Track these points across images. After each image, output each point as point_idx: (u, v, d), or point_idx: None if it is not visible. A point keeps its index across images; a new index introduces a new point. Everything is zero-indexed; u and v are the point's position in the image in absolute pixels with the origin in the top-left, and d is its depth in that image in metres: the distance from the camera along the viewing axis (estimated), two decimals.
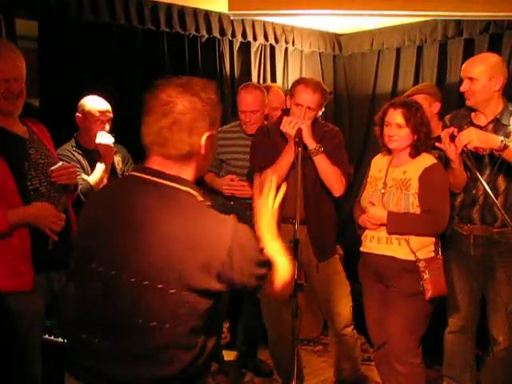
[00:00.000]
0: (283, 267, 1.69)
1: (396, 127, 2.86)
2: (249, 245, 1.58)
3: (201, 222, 1.54)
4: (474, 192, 3.03)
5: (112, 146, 3.16)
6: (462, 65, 4.22)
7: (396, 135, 2.87)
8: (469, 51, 4.31)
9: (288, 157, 3.13)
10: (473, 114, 3.08)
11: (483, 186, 2.75)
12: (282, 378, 3.50)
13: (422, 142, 2.86)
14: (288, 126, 3.08)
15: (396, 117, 2.86)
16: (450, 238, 3.15)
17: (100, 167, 3.09)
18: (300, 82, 3.21)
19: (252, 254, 1.58)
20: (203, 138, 1.59)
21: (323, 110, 3.43)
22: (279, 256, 1.70)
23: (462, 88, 3.03)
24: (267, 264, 1.63)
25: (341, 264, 3.44)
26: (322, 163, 3.14)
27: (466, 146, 2.72)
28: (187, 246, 1.50)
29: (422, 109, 2.89)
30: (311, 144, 3.10)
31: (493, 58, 3.05)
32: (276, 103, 3.85)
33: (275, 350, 3.51)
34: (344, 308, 3.38)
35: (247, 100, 3.56)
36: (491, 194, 2.69)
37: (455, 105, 4.34)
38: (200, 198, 1.60)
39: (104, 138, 3.11)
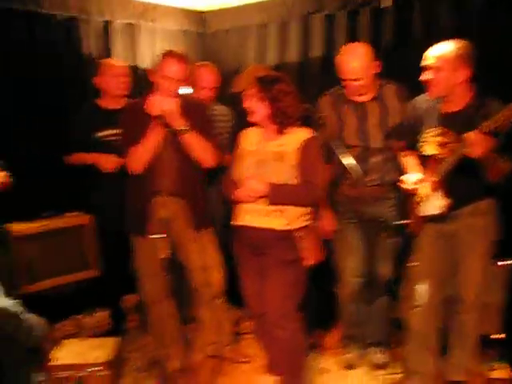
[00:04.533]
0: None
1: (252, 98, 2.92)
2: None
3: None
4: (369, 161, 3.30)
5: None
6: (323, 40, 4.45)
7: (252, 107, 2.93)
8: (329, 27, 4.45)
9: (154, 135, 3.11)
10: (350, 94, 3.29)
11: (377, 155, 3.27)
12: (164, 355, 3.50)
13: (275, 116, 2.90)
14: (151, 107, 3.05)
15: (252, 89, 2.92)
16: (343, 204, 3.42)
17: None
18: (166, 54, 3.21)
19: None
20: None
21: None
22: None
23: (352, 89, 3.23)
24: None
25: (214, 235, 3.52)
26: (190, 141, 3.18)
27: None
28: None
29: (281, 83, 2.91)
30: (178, 124, 3.11)
31: (364, 48, 3.21)
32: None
33: (156, 330, 3.49)
34: (216, 278, 3.47)
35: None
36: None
37: (317, 80, 4.50)
38: None
39: None
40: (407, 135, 3.16)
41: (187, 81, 3.26)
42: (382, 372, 3.47)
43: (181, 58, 3.18)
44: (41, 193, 3.98)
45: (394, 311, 3.51)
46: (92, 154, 3.76)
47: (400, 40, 4.08)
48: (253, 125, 3.09)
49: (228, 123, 4.02)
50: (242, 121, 3.63)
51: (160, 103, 3.05)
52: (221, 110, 3.98)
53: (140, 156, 3.18)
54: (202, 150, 3.23)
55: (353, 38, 4.26)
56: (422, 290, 3.09)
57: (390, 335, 3.22)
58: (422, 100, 3.03)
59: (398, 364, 3.43)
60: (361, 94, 3.26)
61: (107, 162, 3.70)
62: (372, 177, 3.30)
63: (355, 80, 3.17)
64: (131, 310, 4.37)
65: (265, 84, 2.88)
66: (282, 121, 2.91)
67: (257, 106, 2.91)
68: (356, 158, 3.20)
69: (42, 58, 4.12)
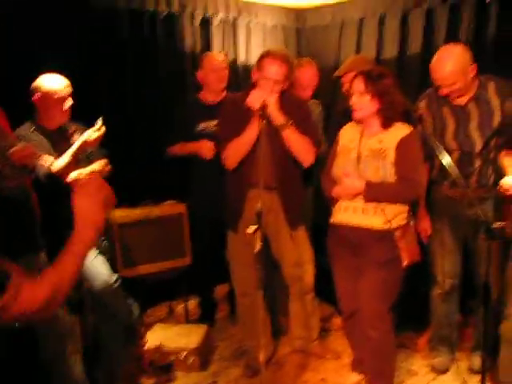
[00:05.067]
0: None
1: (358, 95, 2.86)
2: None
3: None
4: (469, 165, 3.15)
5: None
6: (422, 35, 4.34)
7: (357, 103, 2.87)
8: (430, 22, 4.34)
9: (253, 129, 3.13)
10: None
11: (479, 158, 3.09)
12: (251, 346, 3.55)
13: (386, 110, 2.84)
14: (253, 101, 3.08)
15: (358, 84, 2.86)
16: (441, 203, 3.32)
17: (68, 154, 3.04)
18: (267, 54, 3.19)
19: None
20: None
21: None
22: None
23: (443, 92, 3.05)
24: None
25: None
26: (291, 137, 3.17)
27: None
28: None
29: (388, 77, 2.85)
30: (279, 119, 3.13)
31: (456, 52, 2.99)
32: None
33: (245, 321, 3.58)
34: (307, 274, 3.48)
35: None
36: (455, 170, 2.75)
37: (416, 77, 4.40)
38: None
39: (93, 134, 3.09)
40: (507, 134, 3.01)
41: (288, 81, 3.24)
42: (473, 379, 3.35)
43: (283, 58, 3.14)
44: (140, 181, 4.14)
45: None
46: (193, 142, 3.87)
47: (507, 32, 3.88)
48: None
49: (319, 117, 4.03)
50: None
51: (261, 97, 3.07)
52: (312, 105, 3.97)
53: (236, 150, 3.22)
54: (301, 147, 3.21)
55: (454, 33, 4.13)
56: None
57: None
58: None
59: (491, 373, 3.30)
60: (459, 96, 3.11)
61: (207, 150, 3.80)
62: (473, 180, 3.17)
63: (450, 85, 3.01)
64: (222, 300, 4.47)
65: (372, 79, 2.82)
66: (390, 115, 2.85)
67: (364, 102, 2.85)
68: (456, 162, 3.09)
69: (146, 53, 4.30)
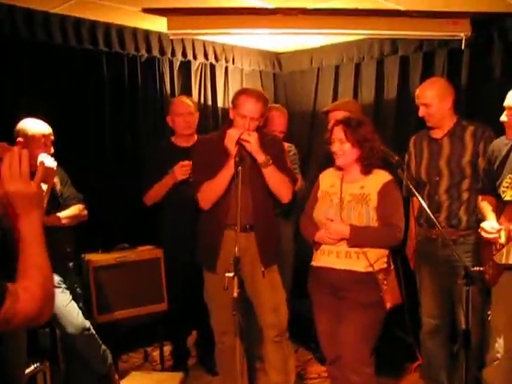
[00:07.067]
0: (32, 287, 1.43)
1: (338, 143, 2.91)
2: None
3: None
4: (437, 199, 3.29)
5: (54, 168, 3.09)
6: (398, 81, 4.45)
7: (339, 150, 2.91)
8: (404, 68, 4.45)
9: (228, 169, 3.11)
10: (431, 131, 3.35)
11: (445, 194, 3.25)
12: None
13: (367, 157, 2.89)
14: (230, 140, 3.09)
15: (338, 133, 2.91)
16: (421, 243, 3.42)
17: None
18: (242, 92, 3.23)
19: None
20: None
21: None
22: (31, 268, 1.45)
23: (420, 113, 3.28)
24: None
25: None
26: (272, 174, 3.18)
27: None
28: None
29: (366, 125, 2.92)
30: (261, 157, 3.13)
31: (440, 82, 3.36)
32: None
33: (223, 362, 3.45)
34: (281, 316, 3.40)
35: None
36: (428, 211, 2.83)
37: (392, 120, 4.48)
38: None
39: (46, 159, 3.02)
40: (485, 179, 3.07)
41: (263, 118, 3.28)
42: None
43: (258, 96, 3.19)
44: (115, 225, 4.10)
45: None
46: (166, 177, 3.76)
47: (478, 81, 4.01)
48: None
49: (294, 158, 4.07)
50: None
51: (238, 135, 3.08)
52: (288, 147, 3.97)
53: (211, 191, 3.21)
54: (280, 184, 3.23)
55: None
56: (499, 343, 2.93)
57: None
58: (502, 143, 2.93)
59: None
60: (434, 127, 3.28)
61: (180, 171, 3.68)
62: (441, 216, 3.25)
63: (426, 105, 3.22)
64: (193, 347, 4.37)
65: (352, 127, 2.88)
66: (370, 162, 2.90)
67: (345, 150, 2.90)
68: (426, 195, 3.24)
69: (125, 97, 4.34)
